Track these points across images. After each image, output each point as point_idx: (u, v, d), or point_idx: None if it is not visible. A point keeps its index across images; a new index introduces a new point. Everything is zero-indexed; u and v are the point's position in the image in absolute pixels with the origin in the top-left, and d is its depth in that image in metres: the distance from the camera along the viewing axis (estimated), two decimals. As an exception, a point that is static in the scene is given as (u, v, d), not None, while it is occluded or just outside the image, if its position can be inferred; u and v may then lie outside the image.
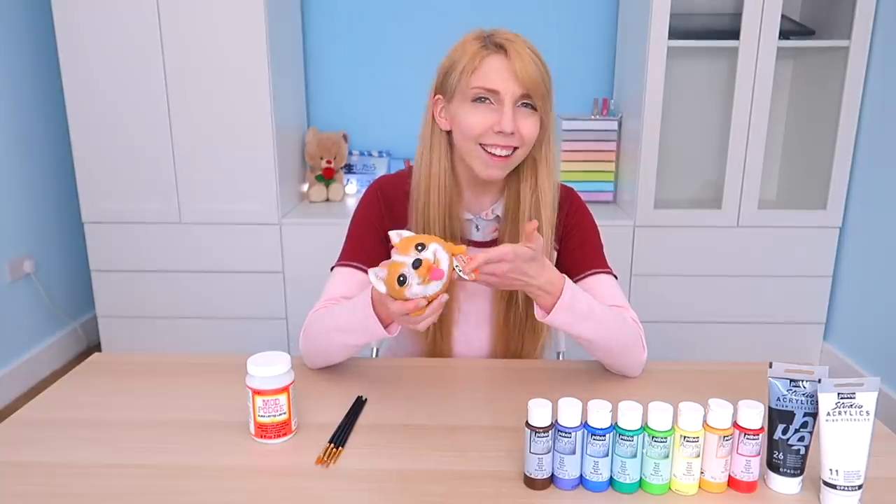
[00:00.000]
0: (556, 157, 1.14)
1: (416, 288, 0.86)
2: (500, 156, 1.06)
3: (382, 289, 0.87)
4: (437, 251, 0.87)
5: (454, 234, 1.14)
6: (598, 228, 1.22)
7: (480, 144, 1.07)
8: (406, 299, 0.86)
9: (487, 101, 1.05)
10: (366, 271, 1.13)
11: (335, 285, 1.15)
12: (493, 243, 1.17)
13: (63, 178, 2.63)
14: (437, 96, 1.11)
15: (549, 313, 0.98)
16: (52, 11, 2.21)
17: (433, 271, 0.86)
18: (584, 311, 1.00)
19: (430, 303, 0.87)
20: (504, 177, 1.12)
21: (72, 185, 2.49)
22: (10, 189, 2.42)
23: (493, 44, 1.05)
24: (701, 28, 2.32)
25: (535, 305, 1.00)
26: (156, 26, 2.20)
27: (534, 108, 1.06)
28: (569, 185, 1.24)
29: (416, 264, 0.85)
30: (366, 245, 1.17)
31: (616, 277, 1.18)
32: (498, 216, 1.17)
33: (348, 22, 2.67)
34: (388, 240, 1.19)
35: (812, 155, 2.45)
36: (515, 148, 1.07)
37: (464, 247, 0.90)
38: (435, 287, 0.86)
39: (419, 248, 0.87)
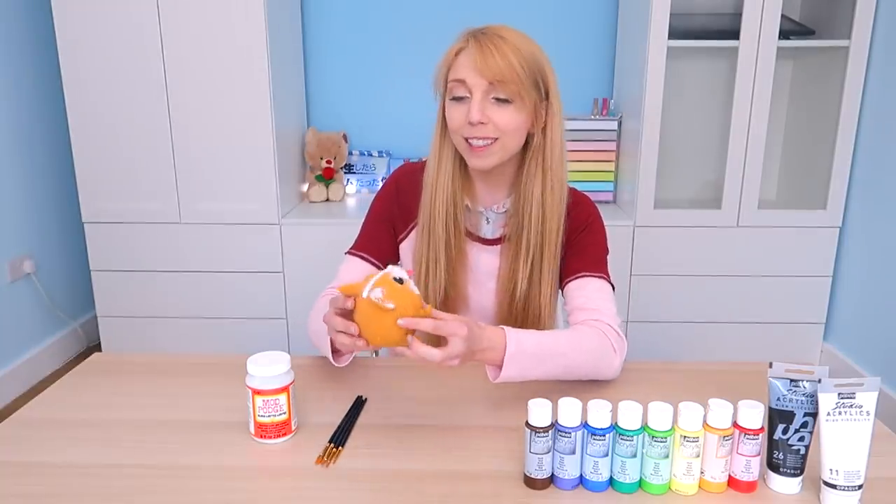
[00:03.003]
0: (563, 157, 1.13)
1: (412, 286, 0.88)
2: (478, 146, 1.08)
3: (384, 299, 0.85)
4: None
5: (458, 227, 1.16)
6: (607, 238, 1.21)
7: (464, 138, 1.09)
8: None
9: (465, 97, 1.07)
10: (371, 262, 1.22)
11: (342, 273, 1.23)
12: (499, 241, 1.19)
13: (63, 178, 2.63)
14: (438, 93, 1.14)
15: (500, 370, 0.96)
16: (52, 11, 2.21)
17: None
18: (535, 353, 0.98)
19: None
20: (493, 167, 1.11)
21: (72, 185, 2.49)
22: (10, 189, 2.42)
23: (473, 37, 1.06)
24: (701, 28, 2.32)
25: (486, 370, 0.99)
26: (156, 26, 2.20)
27: (507, 100, 1.06)
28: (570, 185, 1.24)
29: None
30: (375, 236, 1.24)
31: (613, 287, 1.17)
32: (508, 211, 1.18)
33: (348, 22, 2.67)
34: (396, 233, 1.23)
35: (812, 155, 2.45)
36: (495, 139, 1.08)
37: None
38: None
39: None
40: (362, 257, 1.22)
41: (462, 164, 1.16)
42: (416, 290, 0.87)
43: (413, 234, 1.23)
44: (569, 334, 1.06)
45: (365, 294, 0.85)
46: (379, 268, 1.23)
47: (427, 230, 1.16)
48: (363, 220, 1.27)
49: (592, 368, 1.05)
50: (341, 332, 0.87)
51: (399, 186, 1.24)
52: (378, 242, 1.24)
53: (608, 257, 1.21)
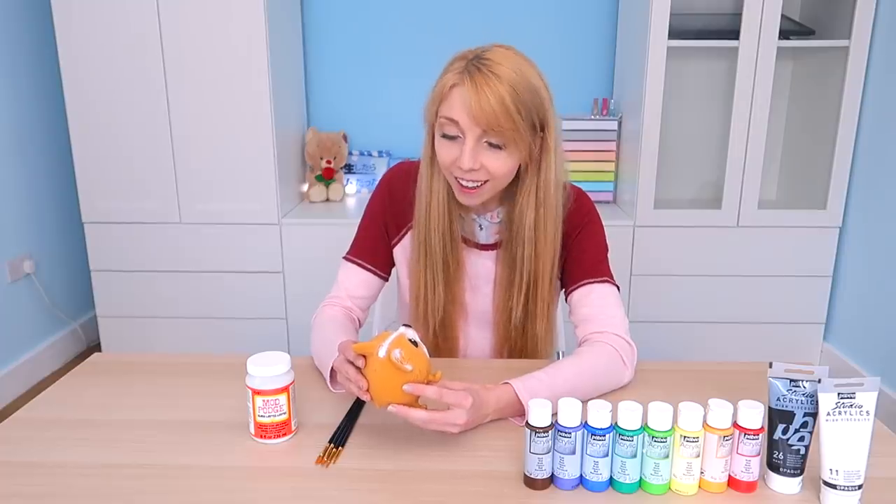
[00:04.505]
0: (558, 188, 1.11)
1: (423, 347, 0.89)
2: (468, 187, 1.06)
3: (409, 367, 0.86)
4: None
5: (454, 237, 1.15)
6: (605, 235, 1.20)
7: (455, 176, 1.07)
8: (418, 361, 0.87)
9: (457, 136, 1.03)
10: (368, 269, 1.23)
11: (341, 281, 1.24)
12: (495, 246, 1.18)
13: (63, 178, 2.63)
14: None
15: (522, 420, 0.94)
16: (52, 12, 2.21)
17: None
18: (548, 397, 0.90)
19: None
20: (481, 202, 1.10)
21: (72, 185, 2.49)
22: (10, 189, 2.42)
23: (470, 71, 0.99)
24: (701, 28, 2.32)
25: (510, 421, 0.97)
26: (156, 26, 2.20)
27: (499, 146, 1.02)
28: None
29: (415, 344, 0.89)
30: (371, 241, 1.24)
31: (618, 287, 1.16)
32: (502, 221, 1.17)
33: (348, 22, 2.67)
34: (389, 236, 1.23)
35: (812, 155, 2.45)
36: (486, 181, 1.05)
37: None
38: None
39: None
40: (360, 265, 1.23)
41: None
42: (427, 354, 0.88)
43: (407, 238, 1.22)
44: (576, 362, 1.04)
45: (383, 354, 0.85)
46: (376, 275, 1.24)
47: (423, 241, 1.15)
48: (359, 221, 1.27)
49: (606, 387, 1.05)
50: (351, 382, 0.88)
51: (391, 188, 1.23)
52: (374, 247, 1.24)
53: (609, 254, 1.19)
